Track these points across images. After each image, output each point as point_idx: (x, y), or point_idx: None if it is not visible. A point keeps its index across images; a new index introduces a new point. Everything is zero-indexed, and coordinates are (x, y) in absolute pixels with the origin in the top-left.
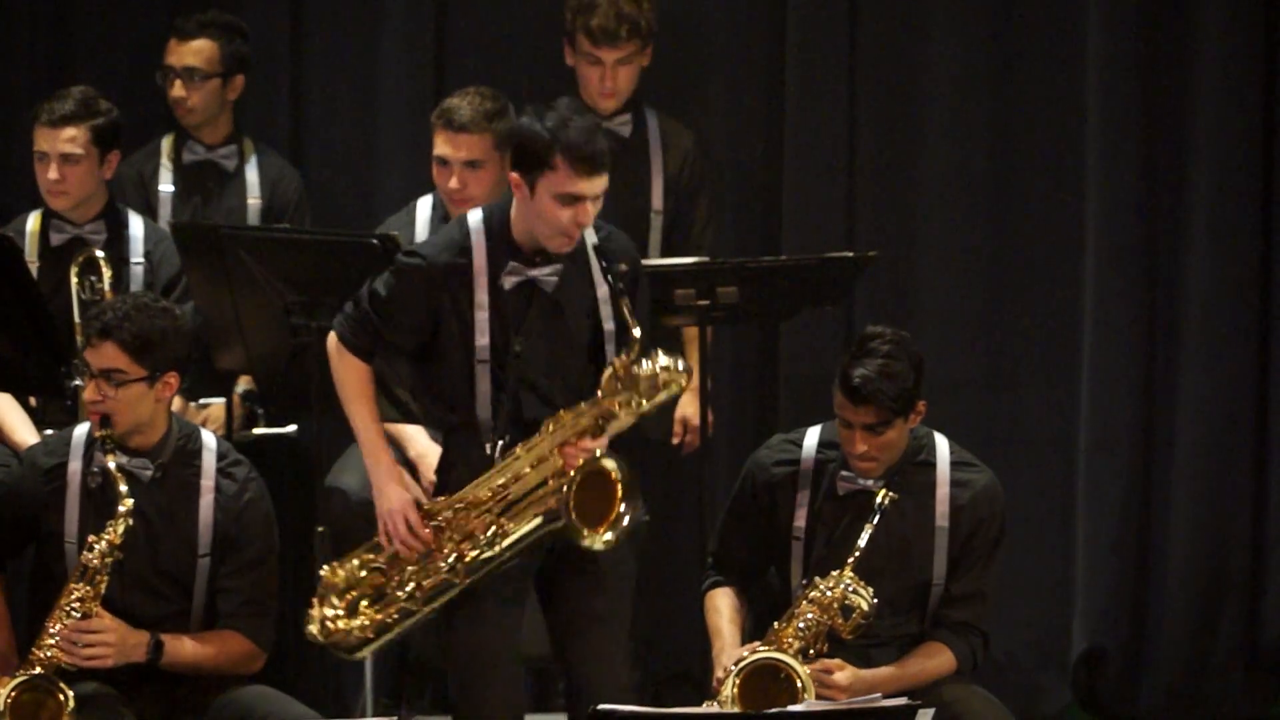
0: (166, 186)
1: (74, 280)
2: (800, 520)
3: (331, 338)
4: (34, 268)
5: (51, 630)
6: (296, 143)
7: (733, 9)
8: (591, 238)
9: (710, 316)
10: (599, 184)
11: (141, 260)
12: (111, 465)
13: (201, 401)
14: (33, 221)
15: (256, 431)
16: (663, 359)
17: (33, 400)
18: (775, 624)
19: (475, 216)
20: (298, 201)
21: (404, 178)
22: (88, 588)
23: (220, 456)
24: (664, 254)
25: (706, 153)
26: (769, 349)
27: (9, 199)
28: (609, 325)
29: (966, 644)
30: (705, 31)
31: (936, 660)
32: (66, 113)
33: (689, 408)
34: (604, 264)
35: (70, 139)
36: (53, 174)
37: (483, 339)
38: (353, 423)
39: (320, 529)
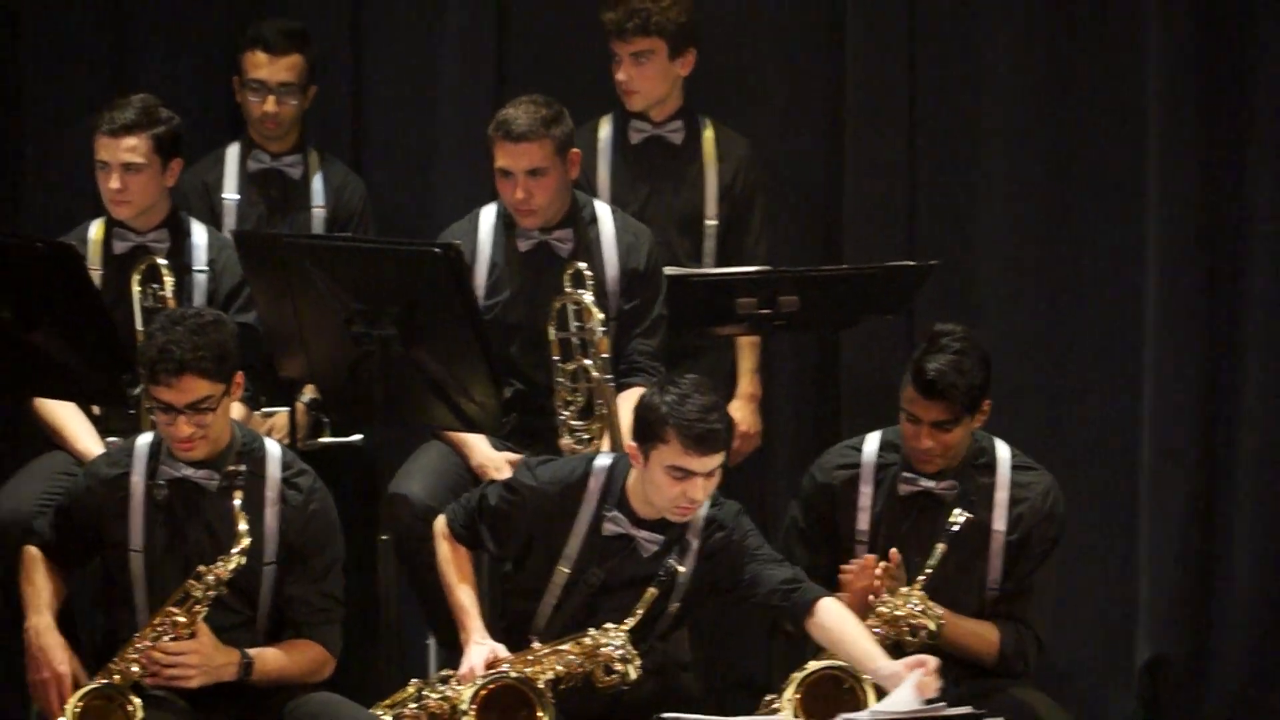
0: (231, 195)
1: (136, 288)
2: (863, 524)
3: (440, 521)
4: (97, 276)
5: (138, 645)
6: (357, 151)
7: (791, 16)
8: (702, 511)
9: (771, 325)
10: (711, 462)
11: (204, 269)
12: (237, 504)
13: (265, 410)
14: (95, 229)
15: (323, 440)
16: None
17: (95, 409)
18: None
19: (602, 460)
20: (362, 210)
21: (466, 185)
22: (184, 613)
23: (285, 466)
24: (718, 264)
25: (760, 161)
26: (830, 358)
27: (72, 206)
28: (672, 607)
29: (1014, 631)
30: (764, 39)
31: (983, 627)
32: (127, 122)
33: (739, 412)
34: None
35: (131, 148)
36: (115, 183)
37: (562, 575)
38: (449, 598)
39: (383, 537)
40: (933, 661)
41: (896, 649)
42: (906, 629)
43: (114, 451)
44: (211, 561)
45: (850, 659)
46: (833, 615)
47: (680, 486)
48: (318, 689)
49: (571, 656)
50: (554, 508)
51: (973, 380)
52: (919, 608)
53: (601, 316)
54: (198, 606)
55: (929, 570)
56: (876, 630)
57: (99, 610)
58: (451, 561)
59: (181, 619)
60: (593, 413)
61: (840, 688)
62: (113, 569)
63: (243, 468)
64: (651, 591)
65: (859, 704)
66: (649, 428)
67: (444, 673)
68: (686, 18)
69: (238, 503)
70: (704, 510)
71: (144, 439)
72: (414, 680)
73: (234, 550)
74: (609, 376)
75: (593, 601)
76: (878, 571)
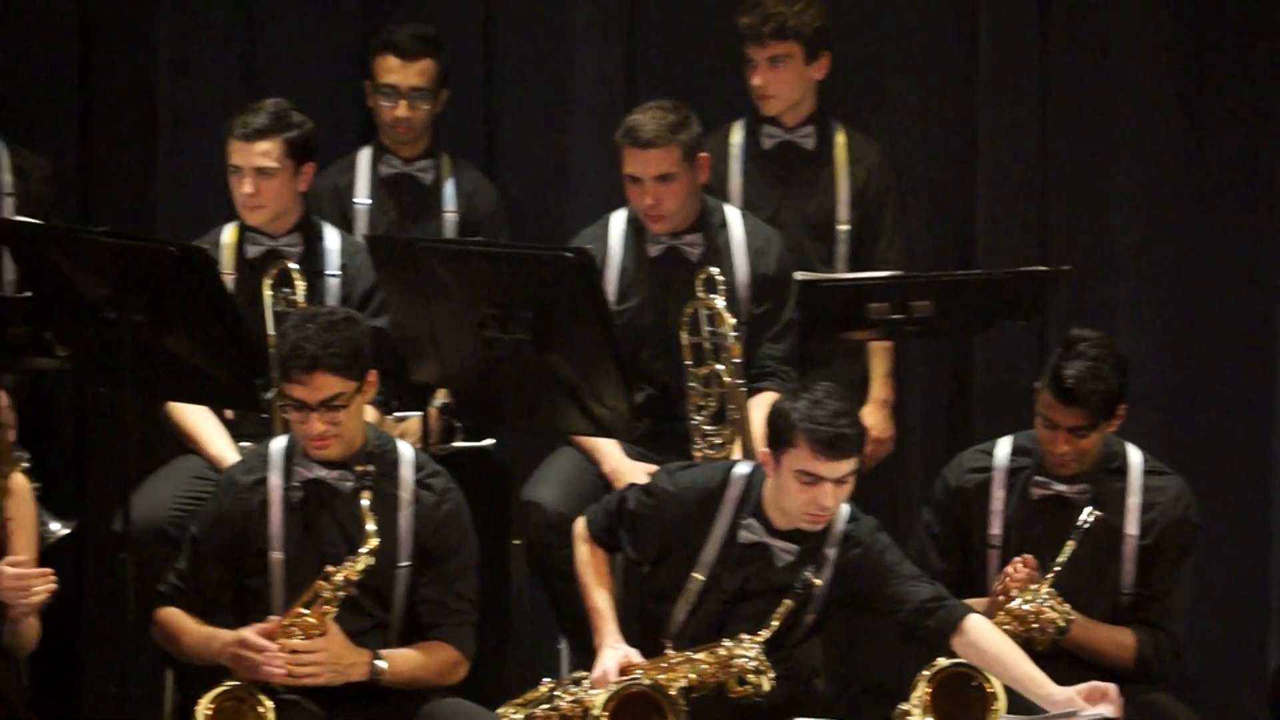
0: (363, 200)
1: (268, 293)
2: (995, 528)
3: (580, 523)
4: (230, 280)
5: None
6: (489, 155)
7: (922, 22)
8: (840, 526)
9: (904, 330)
10: (841, 468)
11: (337, 273)
12: (365, 504)
13: (397, 415)
14: (229, 234)
15: (455, 445)
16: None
17: (228, 412)
18: None
19: (741, 468)
20: (494, 215)
21: (598, 190)
22: (313, 614)
23: (418, 468)
24: (850, 269)
25: (893, 166)
26: (962, 363)
27: (205, 211)
28: (807, 619)
29: (1150, 637)
30: (895, 45)
31: (1119, 633)
32: (260, 126)
33: (871, 418)
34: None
35: (264, 152)
36: (247, 188)
37: (697, 582)
38: (585, 600)
39: (516, 542)
40: (1113, 689)
41: (1026, 646)
42: (1035, 625)
43: (248, 458)
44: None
45: (1013, 681)
46: (984, 635)
47: (810, 492)
48: (450, 692)
49: (705, 666)
50: (692, 514)
51: (1109, 386)
52: (1048, 603)
53: (733, 321)
54: (327, 607)
55: (1058, 567)
56: (1006, 626)
57: (234, 617)
58: (589, 564)
59: (311, 619)
60: (724, 418)
61: (969, 685)
62: (250, 574)
63: (371, 468)
64: (787, 604)
65: (988, 702)
66: (779, 432)
67: (577, 675)
68: (821, 21)
69: (366, 503)
70: (841, 524)
71: (278, 442)
72: (546, 680)
73: (363, 550)
74: (740, 381)
75: (727, 608)
76: (1013, 570)
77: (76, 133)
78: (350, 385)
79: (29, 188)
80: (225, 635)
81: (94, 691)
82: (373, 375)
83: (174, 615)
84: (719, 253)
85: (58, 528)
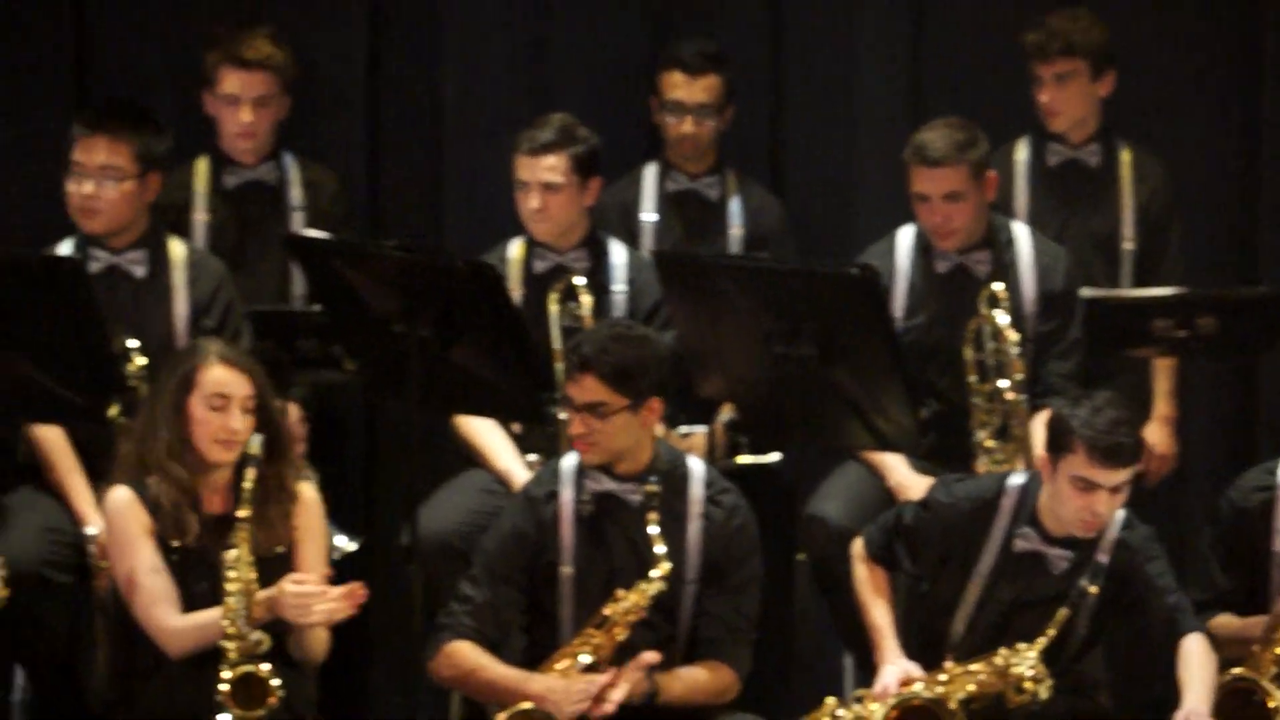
0: (649, 215)
1: (553, 307)
2: (1279, 546)
3: (857, 543)
4: (517, 295)
5: (556, 668)
6: (776, 172)
7: (1207, 38)
8: (1113, 533)
9: (1188, 347)
10: (1116, 476)
11: (623, 288)
12: (654, 531)
13: (683, 430)
14: (516, 248)
15: (740, 460)
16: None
17: (515, 426)
18: (1254, 647)
19: (1016, 478)
20: (779, 232)
21: (884, 206)
22: (603, 636)
23: (708, 484)
24: (1135, 286)
25: (1176, 183)
26: (1247, 380)
27: (494, 225)
28: (1082, 628)
29: None
30: (1179, 61)
31: None
32: (546, 141)
33: (1155, 434)
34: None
35: (550, 167)
36: (534, 203)
37: (975, 592)
38: (865, 618)
39: (800, 557)
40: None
41: None
42: None
43: (541, 472)
44: (632, 578)
45: None
46: (1185, 657)
47: (1084, 499)
48: (735, 707)
49: (983, 676)
50: (968, 524)
51: None
52: None
53: (1016, 338)
54: (616, 629)
55: None
56: None
57: (524, 634)
58: (868, 582)
59: (600, 641)
60: (1008, 434)
61: (1250, 700)
62: (540, 588)
63: (658, 489)
64: (1064, 612)
65: (1270, 716)
66: (1058, 438)
67: (859, 692)
68: (1106, 38)
69: (654, 530)
70: (1115, 531)
71: (570, 457)
72: (829, 698)
73: (654, 575)
74: (1023, 398)
75: (1005, 619)
76: None
77: (365, 147)
78: (616, 399)
79: (319, 202)
80: (553, 681)
81: (381, 704)
82: (655, 403)
83: (467, 651)
84: (1006, 269)
85: (344, 542)
